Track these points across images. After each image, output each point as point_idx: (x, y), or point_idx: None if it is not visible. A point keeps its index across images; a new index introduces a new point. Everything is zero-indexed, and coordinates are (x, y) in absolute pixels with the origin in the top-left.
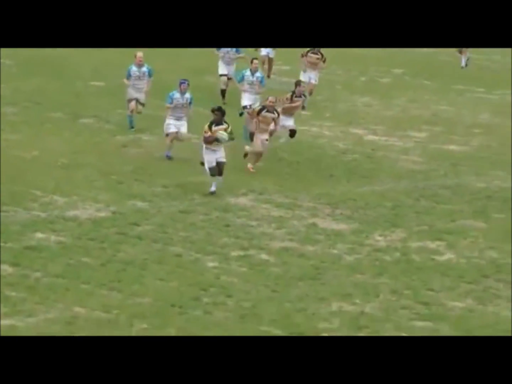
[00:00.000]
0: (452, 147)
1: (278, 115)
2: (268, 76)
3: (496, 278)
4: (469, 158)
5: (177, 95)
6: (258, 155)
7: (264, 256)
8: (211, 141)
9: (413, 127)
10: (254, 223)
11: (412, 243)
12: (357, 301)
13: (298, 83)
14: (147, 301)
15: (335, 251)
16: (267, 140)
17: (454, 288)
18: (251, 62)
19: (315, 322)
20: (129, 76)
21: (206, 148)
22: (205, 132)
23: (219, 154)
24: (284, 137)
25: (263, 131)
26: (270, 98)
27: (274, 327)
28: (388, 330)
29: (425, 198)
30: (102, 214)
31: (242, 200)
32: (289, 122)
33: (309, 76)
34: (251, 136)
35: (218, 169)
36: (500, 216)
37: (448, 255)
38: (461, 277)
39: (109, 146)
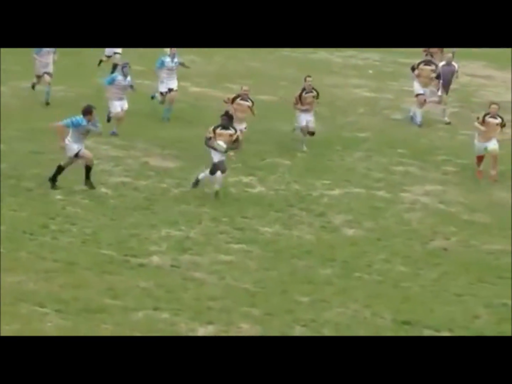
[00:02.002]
0: (262, 97)
1: (253, 103)
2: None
3: (299, 207)
4: (276, 106)
5: (119, 77)
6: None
7: (103, 189)
8: (209, 145)
9: (230, 80)
10: (95, 161)
11: (229, 178)
12: (183, 227)
13: (305, 78)
14: (2, 229)
15: (164, 185)
16: (245, 128)
17: (265, 216)
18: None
19: (147, 246)
20: (39, 51)
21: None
22: (208, 132)
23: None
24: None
25: (241, 120)
26: (244, 88)
27: (111, 250)
28: (208, 252)
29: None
30: None
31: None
32: (309, 118)
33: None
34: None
35: (221, 167)
36: (303, 155)
37: (259, 188)
38: (270, 206)
39: None
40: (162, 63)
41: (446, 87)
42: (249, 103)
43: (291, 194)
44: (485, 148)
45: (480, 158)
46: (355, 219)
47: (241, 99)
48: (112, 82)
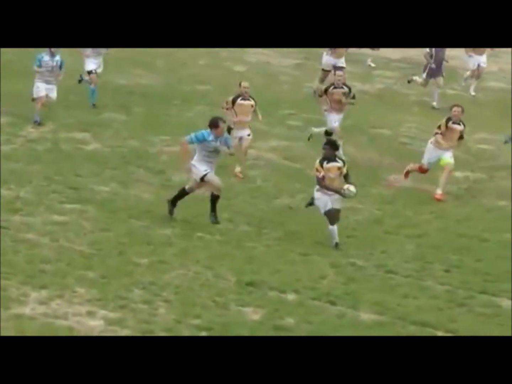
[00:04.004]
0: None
1: (255, 102)
2: None
3: (137, 164)
4: (112, 59)
5: (46, 57)
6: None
7: None
8: (331, 189)
9: None
10: None
11: (61, 134)
12: (12, 186)
13: (335, 71)
14: None
15: None
16: (248, 135)
17: (100, 174)
18: None
19: None
20: None
21: (319, 189)
22: (317, 170)
23: (335, 197)
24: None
25: (243, 125)
26: (244, 84)
27: None
28: (41, 212)
29: (73, 94)
30: None
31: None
32: (337, 122)
33: None
34: (228, 133)
35: (334, 216)
36: (140, 110)
37: (94, 145)
38: (106, 163)
39: None
40: None
41: (438, 68)
42: (251, 102)
43: (128, 151)
44: (440, 160)
45: (424, 171)
46: None
47: (242, 99)
48: (39, 64)
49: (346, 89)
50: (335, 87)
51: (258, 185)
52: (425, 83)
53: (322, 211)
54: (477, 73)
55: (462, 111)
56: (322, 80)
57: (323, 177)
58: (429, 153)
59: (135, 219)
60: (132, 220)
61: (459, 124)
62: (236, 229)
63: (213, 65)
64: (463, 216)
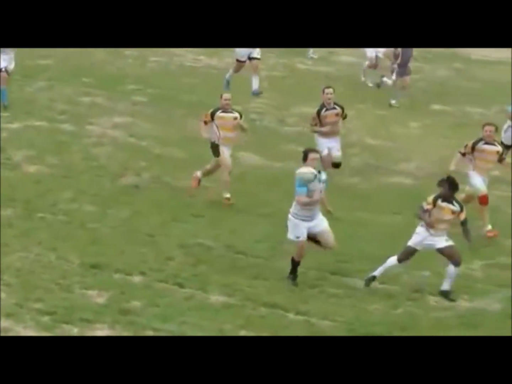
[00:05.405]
0: None
1: (241, 116)
2: None
3: None
4: None
5: None
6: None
7: None
8: (432, 225)
9: None
10: None
11: None
12: None
13: (324, 89)
14: None
15: None
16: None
17: None
18: None
19: None
20: None
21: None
22: (427, 203)
23: (442, 240)
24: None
25: (227, 140)
26: (225, 96)
27: None
28: None
29: None
30: None
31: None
32: (333, 144)
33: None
34: (215, 150)
35: (454, 257)
36: None
37: None
38: None
39: None
40: None
41: (404, 67)
42: (234, 115)
43: None
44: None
45: (486, 200)
46: (37, 155)
47: (222, 112)
48: None
49: (339, 109)
50: (326, 109)
51: (102, 163)
52: (394, 83)
53: (411, 243)
54: (375, 64)
55: (496, 129)
56: (237, 71)
57: (428, 210)
58: (477, 178)
59: None
60: None
61: (493, 144)
62: (80, 209)
63: None
64: None
